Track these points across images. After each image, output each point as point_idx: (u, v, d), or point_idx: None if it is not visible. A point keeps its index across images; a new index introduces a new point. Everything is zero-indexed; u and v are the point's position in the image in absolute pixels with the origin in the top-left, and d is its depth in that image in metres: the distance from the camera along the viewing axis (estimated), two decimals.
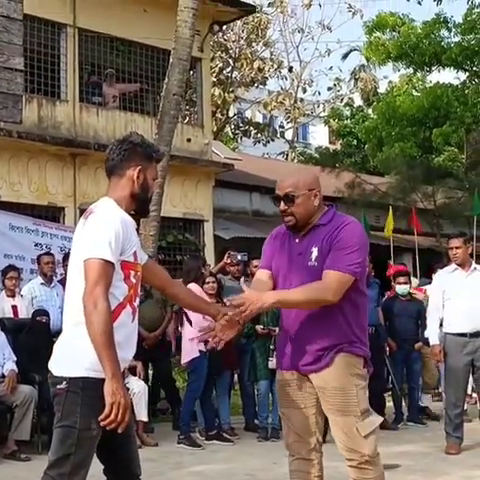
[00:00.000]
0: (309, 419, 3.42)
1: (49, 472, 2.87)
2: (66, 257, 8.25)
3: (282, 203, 3.38)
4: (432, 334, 6.52)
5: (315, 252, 3.35)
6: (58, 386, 2.88)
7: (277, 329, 6.88)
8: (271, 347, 6.98)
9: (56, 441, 2.89)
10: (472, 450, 6.41)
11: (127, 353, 2.99)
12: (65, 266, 8.07)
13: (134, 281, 2.99)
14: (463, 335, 6.27)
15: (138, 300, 3.05)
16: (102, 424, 2.75)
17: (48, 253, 8.20)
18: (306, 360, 3.37)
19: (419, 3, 15.37)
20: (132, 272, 2.98)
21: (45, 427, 6.26)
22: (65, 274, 8.04)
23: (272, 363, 6.88)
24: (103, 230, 2.86)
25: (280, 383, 3.53)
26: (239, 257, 8.15)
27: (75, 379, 2.85)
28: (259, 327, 7.09)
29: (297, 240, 3.42)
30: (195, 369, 6.90)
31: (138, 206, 3.07)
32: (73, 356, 2.88)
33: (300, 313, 3.36)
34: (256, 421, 7.49)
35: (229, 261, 8.18)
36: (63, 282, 7.80)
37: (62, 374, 2.89)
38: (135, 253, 2.99)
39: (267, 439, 7.05)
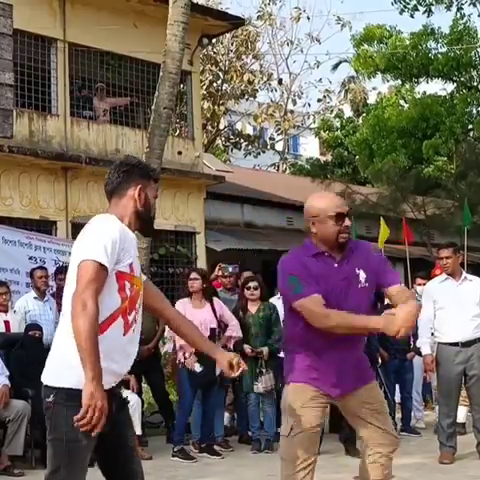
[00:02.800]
0: (317, 436, 3.63)
1: None
2: (58, 270, 8.24)
3: (346, 220, 3.51)
4: (424, 344, 6.54)
5: (363, 274, 3.51)
6: (47, 399, 2.87)
7: (265, 350, 6.95)
8: (257, 370, 6.97)
9: (49, 455, 2.91)
10: (466, 459, 6.41)
11: (119, 366, 2.95)
12: (57, 279, 8.05)
13: (129, 293, 2.93)
14: (455, 344, 6.29)
15: (135, 314, 2.97)
16: (75, 425, 2.71)
17: (41, 267, 8.18)
18: (360, 375, 3.60)
19: (411, 16, 15.50)
20: (127, 283, 2.93)
21: (38, 442, 6.24)
22: (57, 287, 8.03)
23: (257, 387, 6.91)
24: (100, 236, 2.86)
25: (301, 403, 3.56)
26: (230, 269, 8.18)
27: (60, 390, 2.84)
28: (247, 347, 7.08)
29: (336, 265, 3.50)
30: (178, 382, 7.13)
31: (141, 225, 3.06)
32: (59, 365, 2.87)
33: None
34: (249, 433, 7.48)
35: (220, 273, 8.21)
36: (55, 296, 7.80)
37: (50, 384, 2.88)
38: (131, 265, 2.96)
39: (261, 451, 7.04)
